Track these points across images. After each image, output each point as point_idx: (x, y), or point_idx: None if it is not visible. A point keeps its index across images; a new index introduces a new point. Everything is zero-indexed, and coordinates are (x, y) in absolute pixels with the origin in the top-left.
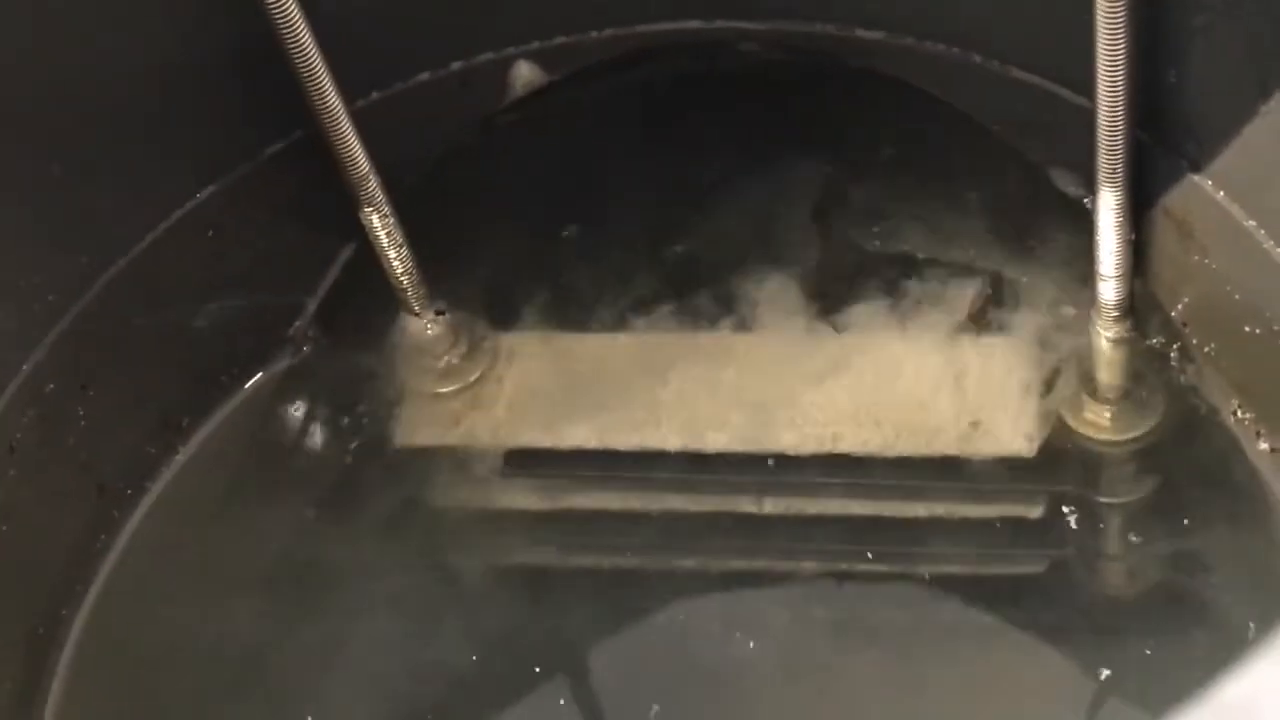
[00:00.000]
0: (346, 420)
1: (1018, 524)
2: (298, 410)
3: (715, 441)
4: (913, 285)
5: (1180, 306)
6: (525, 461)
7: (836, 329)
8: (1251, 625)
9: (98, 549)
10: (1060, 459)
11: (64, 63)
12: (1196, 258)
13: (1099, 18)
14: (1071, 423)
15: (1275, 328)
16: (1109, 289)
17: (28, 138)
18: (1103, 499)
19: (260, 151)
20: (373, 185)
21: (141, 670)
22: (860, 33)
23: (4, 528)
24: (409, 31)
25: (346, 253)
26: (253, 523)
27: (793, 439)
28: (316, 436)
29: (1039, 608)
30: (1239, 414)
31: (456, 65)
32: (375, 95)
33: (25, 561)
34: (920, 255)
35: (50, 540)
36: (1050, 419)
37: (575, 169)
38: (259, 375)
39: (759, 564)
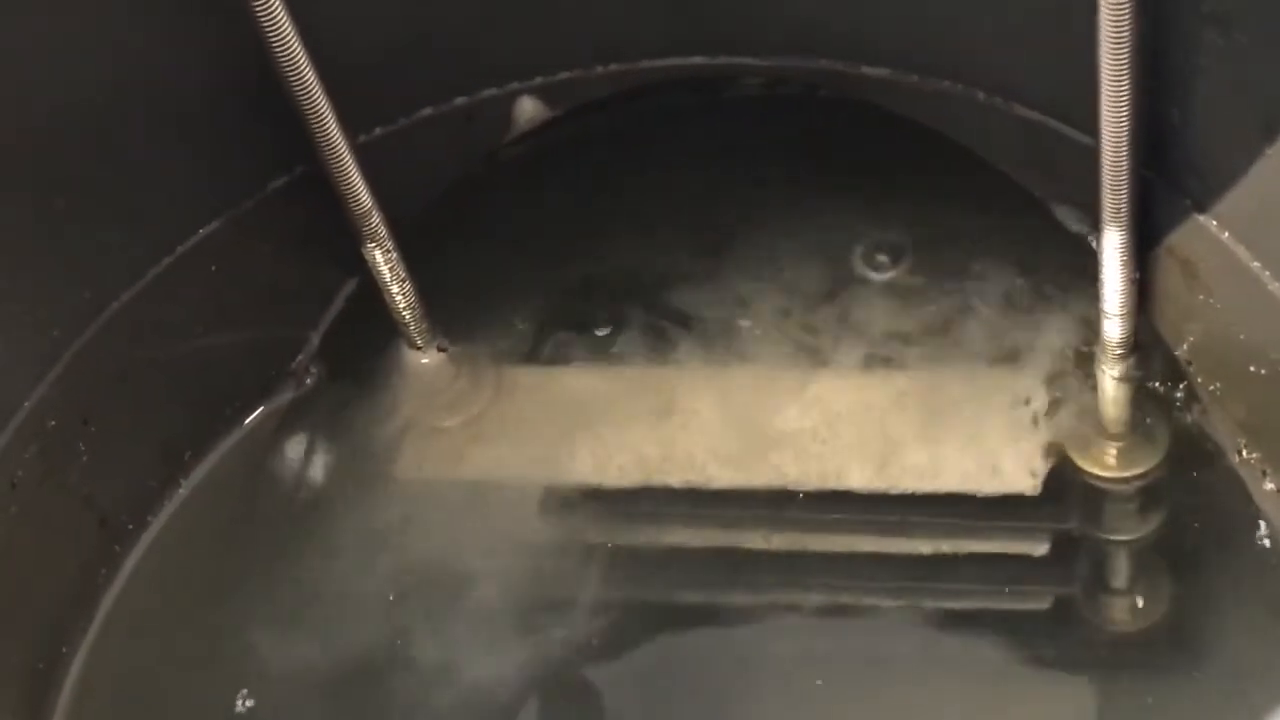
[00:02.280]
0: (349, 453)
1: (1022, 560)
2: (300, 444)
3: (719, 476)
4: (915, 320)
5: (1185, 345)
6: (527, 494)
7: (841, 364)
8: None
9: (99, 583)
10: (1065, 496)
11: (67, 99)
12: (1201, 297)
13: (1103, 56)
14: (1076, 460)
15: None
16: (1113, 327)
17: (31, 173)
18: (1107, 536)
19: (263, 187)
20: (375, 220)
21: (143, 705)
22: (865, 69)
23: (5, 563)
24: (412, 67)
25: (349, 287)
26: (254, 556)
27: (797, 474)
28: (319, 470)
29: (1043, 644)
30: (1244, 453)
31: (460, 100)
32: (379, 130)
33: (26, 596)
34: (924, 291)
35: (52, 575)
36: (1055, 456)
37: (578, 203)
38: (261, 409)
39: (765, 598)
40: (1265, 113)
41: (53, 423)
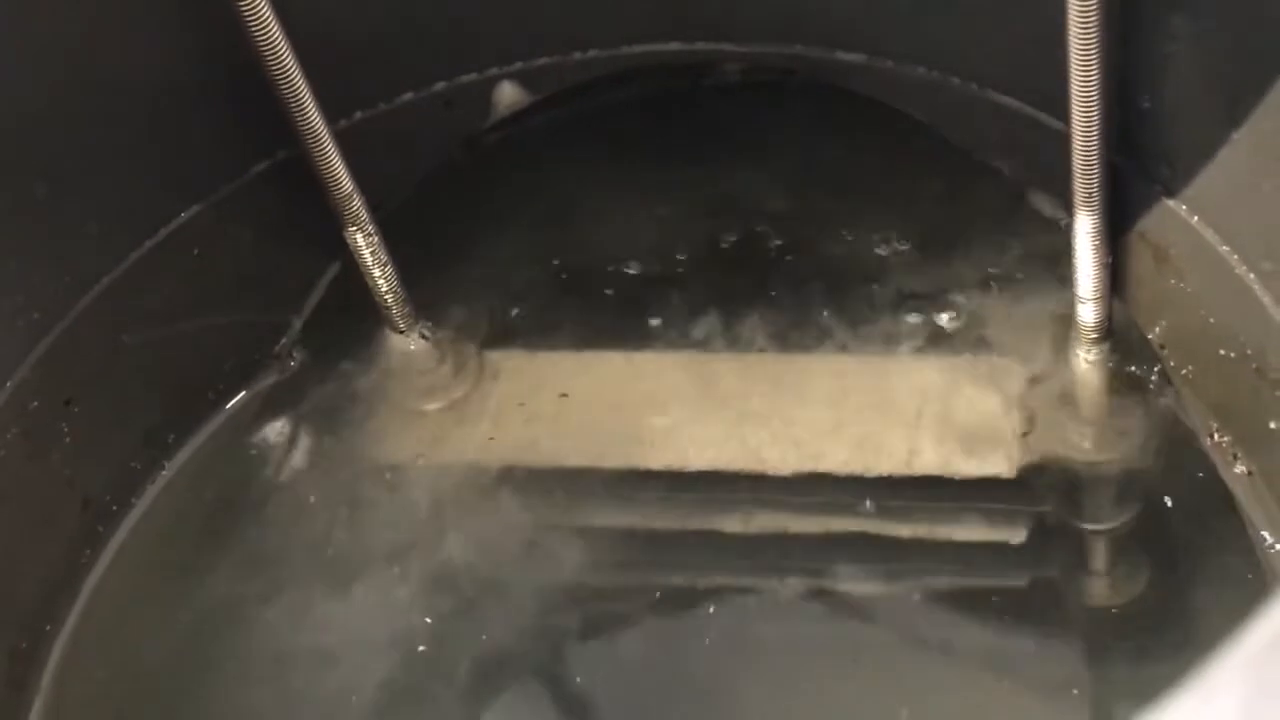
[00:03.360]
0: (331, 437)
1: (999, 544)
2: (283, 427)
3: (699, 460)
4: (893, 306)
5: (1158, 330)
6: (509, 479)
7: (818, 349)
8: None
9: (83, 564)
10: (1041, 480)
11: (50, 83)
12: (1173, 282)
13: (1072, 43)
14: (1052, 444)
15: (1249, 351)
16: (1087, 311)
17: (13, 157)
18: (1083, 520)
19: (245, 171)
20: (356, 204)
21: (125, 685)
22: (840, 55)
23: None
24: (392, 52)
25: (332, 271)
26: (237, 539)
27: (776, 458)
28: (301, 453)
29: (1020, 627)
30: (1216, 436)
31: (440, 86)
32: (359, 115)
33: (9, 576)
34: (900, 276)
35: (35, 555)
36: (1031, 440)
37: (558, 188)
38: (244, 393)
39: (743, 582)
40: (1231, 98)
41: (35, 404)
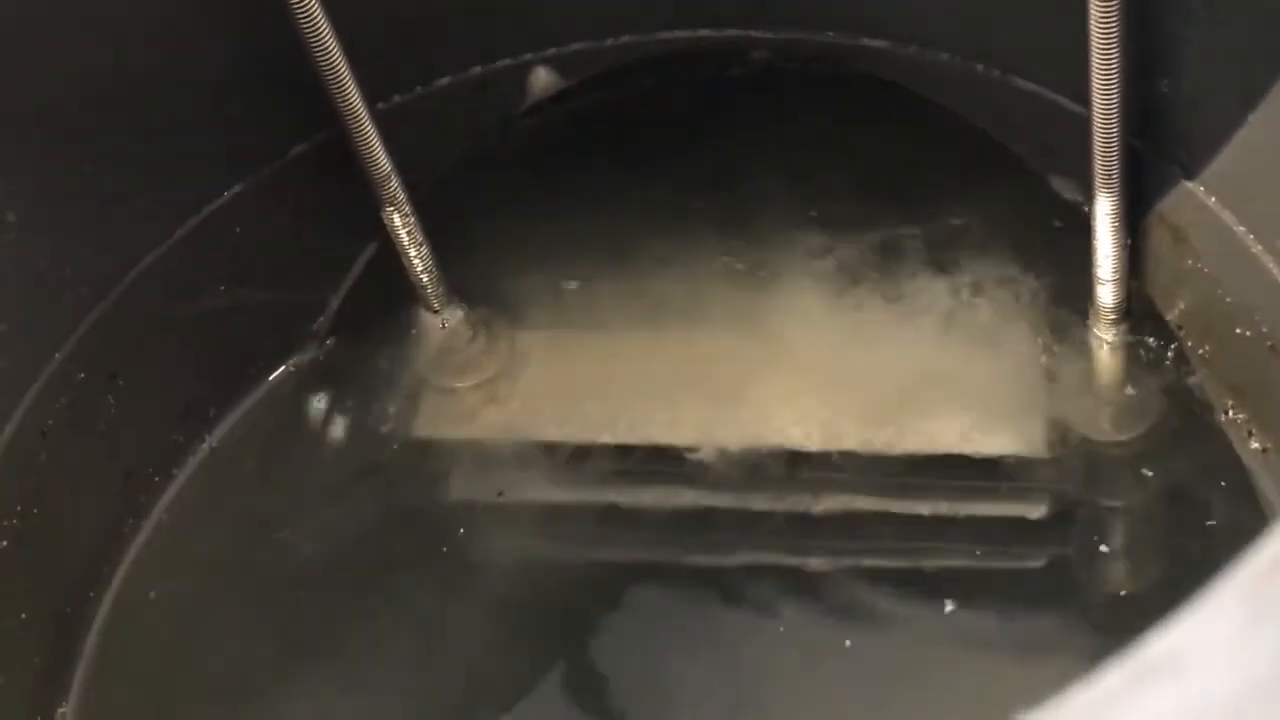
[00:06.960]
0: (367, 413)
1: (1017, 522)
2: (320, 403)
3: (723, 438)
4: (916, 287)
5: (1176, 310)
6: (540, 455)
7: (843, 328)
8: None
9: (125, 532)
10: (1058, 459)
11: (96, 63)
12: (1190, 262)
13: (1092, 28)
14: (1070, 423)
15: (1265, 330)
16: (1106, 292)
17: (61, 136)
18: (1101, 498)
19: (286, 152)
20: (394, 185)
21: (166, 651)
22: (866, 41)
23: (35, 510)
24: (430, 37)
25: (369, 251)
26: (275, 511)
27: (798, 436)
28: (337, 428)
29: (1038, 605)
30: (1231, 414)
31: (476, 70)
32: (397, 98)
33: (54, 543)
34: (923, 258)
35: (79, 523)
36: (1050, 419)
37: (590, 172)
38: (283, 369)
39: (766, 559)
40: (1248, 81)
41: (81, 376)
